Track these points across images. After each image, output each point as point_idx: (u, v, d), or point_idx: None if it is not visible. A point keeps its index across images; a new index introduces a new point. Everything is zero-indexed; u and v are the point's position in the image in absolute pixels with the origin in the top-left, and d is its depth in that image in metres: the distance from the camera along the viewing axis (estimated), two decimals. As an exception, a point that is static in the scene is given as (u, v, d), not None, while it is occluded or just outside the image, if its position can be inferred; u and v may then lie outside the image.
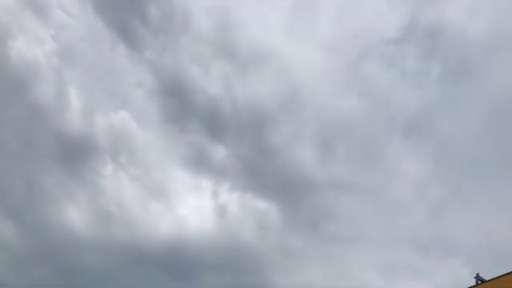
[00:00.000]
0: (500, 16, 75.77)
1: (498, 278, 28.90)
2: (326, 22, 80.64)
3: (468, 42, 75.88)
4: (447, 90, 75.02)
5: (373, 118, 75.75)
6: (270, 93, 77.24)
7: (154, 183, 74.48)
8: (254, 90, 77.63)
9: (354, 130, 75.33)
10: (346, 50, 79.12)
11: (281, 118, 76.42)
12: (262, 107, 76.35)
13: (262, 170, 75.06)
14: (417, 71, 76.85)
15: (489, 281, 29.65)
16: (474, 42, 75.55)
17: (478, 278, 30.44)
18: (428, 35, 77.19)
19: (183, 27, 78.42)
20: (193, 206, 75.37)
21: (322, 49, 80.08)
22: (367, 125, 75.42)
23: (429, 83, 75.76)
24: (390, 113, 75.79)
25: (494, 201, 64.32)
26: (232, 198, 73.77)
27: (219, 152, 75.63)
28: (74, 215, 68.02)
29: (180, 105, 78.21)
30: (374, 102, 76.61)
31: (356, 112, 75.45)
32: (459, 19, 76.59)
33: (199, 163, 76.55)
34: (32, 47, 72.86)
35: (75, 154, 71.12)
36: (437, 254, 64.03)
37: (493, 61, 74.16)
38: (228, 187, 74.47)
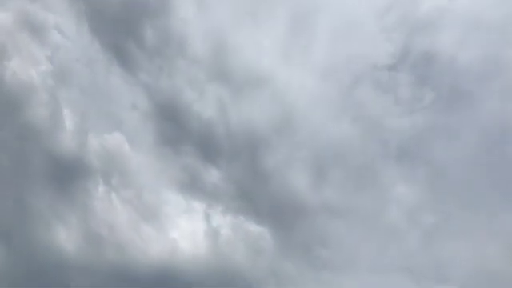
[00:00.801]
0: (492, 44, 77.31)
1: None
2: (320, 48, 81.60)
3: (460, 70, 77.19)
4: (440, 117, 75.84)
5: (366, 143, 76.20)
6: (264, 117, 77.72)
7: (145, 206, 73.94)
8: (249, 113, 78.07)
9: (348, 156, 75.63)
10: (340, 75, 79.95)
11: (274, 142, 76.77)
12: (255, 131, 76.71)
13: (255, 193, 74.97)
14: (410, 98, 77.62)
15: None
16: (465, 69, 76.89)
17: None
18: (421, 62, 78.36)
19: (179, 50, 79.24)
20: (185, 229, 74.68)
21: (316, 74, 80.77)
22: (360, 150, 75.81)
23: (421, 110, 76.54)
24: (383, 139, 76.25)
25: (487, 228, 64.46)
26: (224, 222, 73.50)
27: (212, 175, 75.60)
28: (64, 237, 67.18)
29: (174, 127, 78.37)
30: (367, 127, 77.15)
31: (349, 137, 75.93)
32: (451, 47, 77.96)
33: (192, 186, 76.30)
34: (27, 68, 73.19)
35: (67, 175, 70.67)
36: (429, 281, 63.72)
37: (485, 88, 75.32)
38: (221, 210, 74.25)
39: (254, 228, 72.73)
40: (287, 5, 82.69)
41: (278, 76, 79.15)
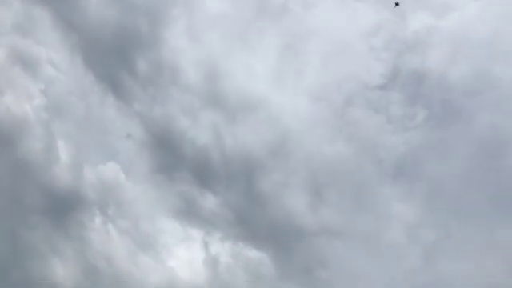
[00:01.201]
0: (480, 60, 78.38)
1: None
2: (311, 71, 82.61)
3: (450, 86, 78.03)
4: (433, 134, 76.27)
5: (361, 163, 76.26)
6: (258, 141, 77.96)
7: (142, 235, 73.36)
8: (243, 138, 78.32)
9: (344, 176, 75.57)
10: (332, 97, 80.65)
11: (270, 166, 76.71)
12: (251, 155, 76.76)
13: (253, 218, 74.45)
14: (402, 116, 78.21)
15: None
16: (456, 85, 77.73)
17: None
18: (411, 81, 79.33)
19: (172, 79, 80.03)
20: (183, 258, 73.90)
21: (309, 96, 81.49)
22: (356, 170, 75.79)
23: (415, 127, 77.02)
24: (378, 157, 76.38)
25: (487, 243, 63.95)
26: (223, 249, 72.76)
27: (209, 201, 75.20)
28: (61, 271, 66.35)
29: (169, 155, 78.40)
30: (361, 147, 77.36)
31: (344, 157, 76.02)
32: (441, 64, 79.10)
33: (189, 213, 75.83)
34: (21, 102, 73.72)
35: (63, 207, 70.30)
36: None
37: (476, 103, 76.00)
38: (219, 237, 73.59)
39: (253, 254, 72.14)
40: (277, 30, 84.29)
41: (271, 100, 79.97)
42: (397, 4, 68.93)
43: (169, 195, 77.12)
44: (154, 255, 72.53)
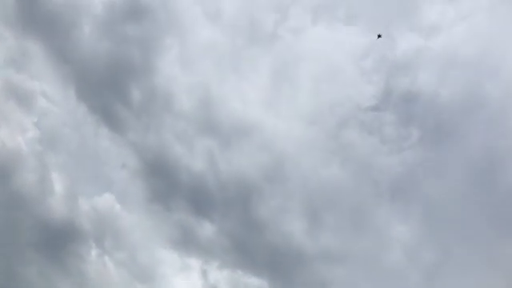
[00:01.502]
0: (469, 79, 79.32)
1: None
2: (303, 95, 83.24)
3: (442, 106, 78.68)
4: (428, 153, 76.57)
5: (358, 185, 76.17)
6: (254, 166, 77.89)
7: (140, 266, 72.41)
8: (239, 163, 78.21)
9: (341, 199, 75.35)
10: (325, 120, 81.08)
11: (267, 191, 76.49)
12: (247, 180, 76.53)
13: (251, 245, 73.78)
14: (396, 136, 78.60)
15: None
16: (447, 105, 78.41)
17: None
18: (403, 101, 79.96)
19: (165, 107, 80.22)
20: (182, 288, 72.87)
21: (302, 120, 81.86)
22: (353, 192, 75.64)
23: (409, 147, 77.39)
24: (374, 179, 76.40)
25: (487, 261, 63.52)
26: (222, 277, 71.95)
27: (206, 229, 74.61)
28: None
29: (164, 183, 78.01)
30: (357, 169, 77.46)
31: (340, 180, 75.99)
32: (431, 85, 79.96)
33: (186, 242, 75.08)
34: (14, 135, 73.51)
35: (58, 240, 69.41)
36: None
37: (468, 122, 76.59)
38: (217, 265, 72.82)
39: (252, 281, 71.26)
40: (269, 55, 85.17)
41: (265, 125, 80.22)
42: (379, 36, 71.44)
43: (165, 224, 76.55)
44: (153, 287, 71.55)
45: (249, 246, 73.71)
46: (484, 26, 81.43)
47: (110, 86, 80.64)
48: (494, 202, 68.51)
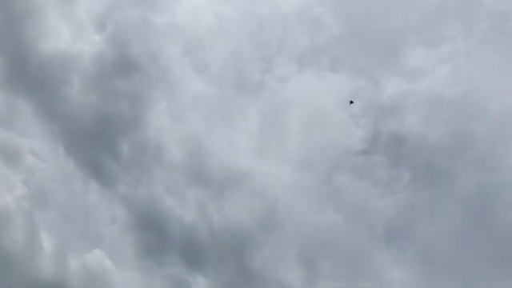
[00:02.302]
0: (455, 120, 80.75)
1: None
2: (293, 141, 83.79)
3: (431, 147, 79.63)
4: (420, 195, 76.65)
5: (353, 229, 75.50)
6: (246, 214, 76.96)
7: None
8: (231, 213, 77.26)
9: (336, 244, 74.35)
10: (316, 164, 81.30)
11: (261, 240, 75.27)
12: (240, 230, 75.33)
13: (247, 297, 71.82)
14: (388, 179, 78.80)
15: None
16: (436, 146, 79.33)
17: None
18: (392, 144, 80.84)
19: (155, 159, 79.95)
20: None
21: (293, 166, 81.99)
22: (348, 237, 74.82)
23: (401, 189, 77.48)
24: (369, 222, 75.88)
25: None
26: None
27: (200, 283, 72.59)
28: None
29: (156, 237, 76.50)
30: (351, 213, 77.05)
31: (335, 225, 75.29)
32: (419, 126, 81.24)
33: (180, 298, 72.77)
34: (2, 194, 72.22)
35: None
36: None
37: (457, 161, 77.27)
38: (212, 322, 70.36)
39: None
40: (257, 103, 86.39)
41: (256, 172, 79.97)
42: (351, 102, 73.56)
43: (157, 280, 74.33)
44: None
45: (244, 298, 71.85)
46: (465, 68, 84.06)
47: (99, 140, 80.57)
48: (491, 240, 68.15)
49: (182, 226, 75.66)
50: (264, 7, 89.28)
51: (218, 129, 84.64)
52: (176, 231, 75.50)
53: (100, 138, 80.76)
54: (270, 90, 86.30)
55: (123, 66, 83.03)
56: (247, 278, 72.72)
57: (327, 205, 78.04)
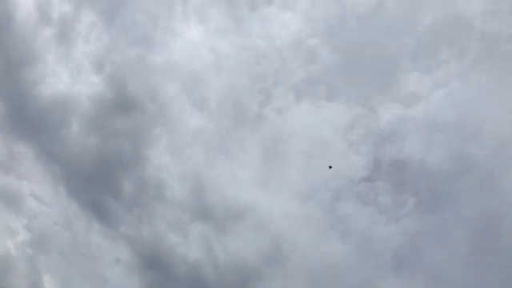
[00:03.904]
0: (454, 144, 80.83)
1: None
2: (295, 172, 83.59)
3: (432, 172, 79.37)
4: (425, 220, 75.99)
5: (359, 258, 74.63)
6: (251, 249, 76.23)
7: None
8: (236, 248, 76.54)
9: (344, 274, 73.32)
10: (320, 195, 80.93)
11: (267, 273, 74.28)
12: (245, 265, 74.42)
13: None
14: (392, 205, 78.36)
15: None
16: (437, 170, 79.13)
17: None
18: (394, 170, 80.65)
19: (157, 197, 79.57)
20: None
21: (297, 197, 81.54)
22: (355, 266, 73.84)
23: (406, 215, 76.88)
24: (376, 250, 74.99)
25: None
26: None
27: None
28: None
29: (161, 276, 75.39)
30: (357, 242, 76.28)
31: (342, 255, 74.45)
32: (418, 151, 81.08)
33: None
34: (3, 240, 71.50)
35: None
36: None
37: (459, 184, 76.90)
38: None
39: None
40: (257, 136, 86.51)
41: (260, 205, 79.59)
42: (330, 167, 75.64)
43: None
44: None
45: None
46: (460, 91, 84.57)
47: (100, 181, 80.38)
48: (498, 263, 67.29)
49: (187, 264, 74.87)
50: (259, 41, 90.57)
51: (219, 163, 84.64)
52: (181, 269, 74.65)
53: (101, 179, 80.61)
54: (269, 122, 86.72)
55: (122, 106, 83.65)
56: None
57: (333, 235, 77.40)
